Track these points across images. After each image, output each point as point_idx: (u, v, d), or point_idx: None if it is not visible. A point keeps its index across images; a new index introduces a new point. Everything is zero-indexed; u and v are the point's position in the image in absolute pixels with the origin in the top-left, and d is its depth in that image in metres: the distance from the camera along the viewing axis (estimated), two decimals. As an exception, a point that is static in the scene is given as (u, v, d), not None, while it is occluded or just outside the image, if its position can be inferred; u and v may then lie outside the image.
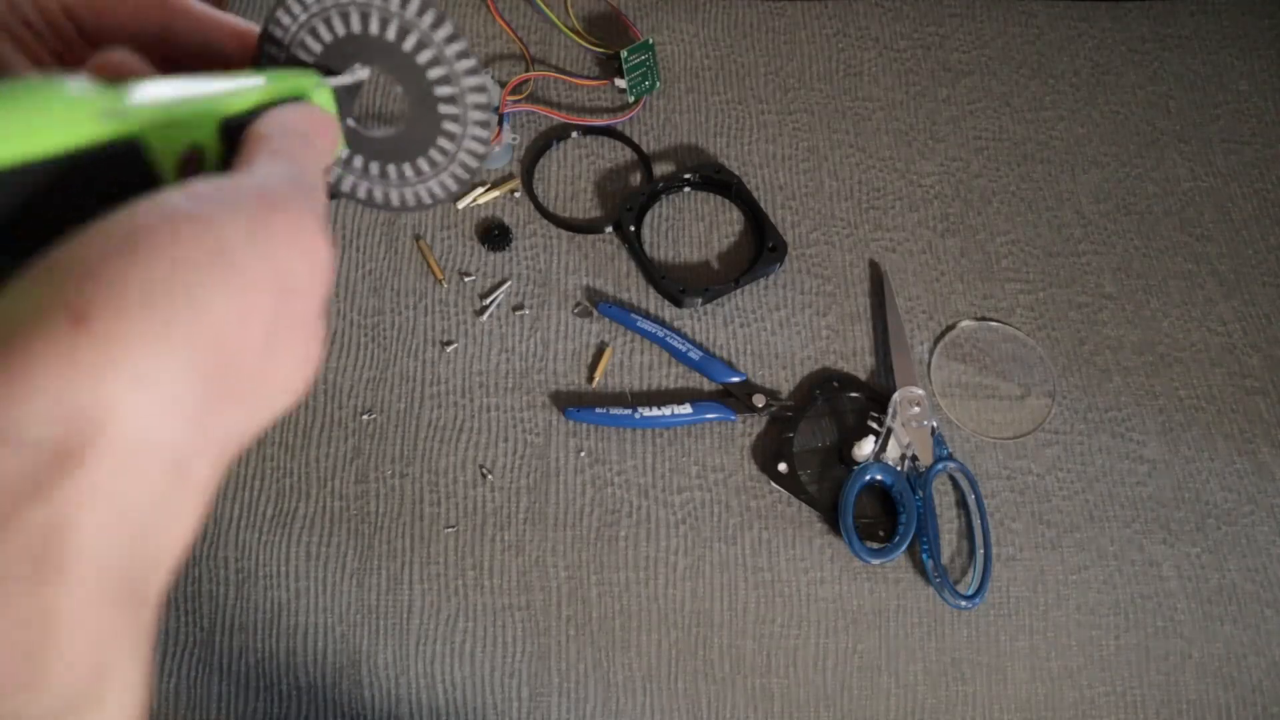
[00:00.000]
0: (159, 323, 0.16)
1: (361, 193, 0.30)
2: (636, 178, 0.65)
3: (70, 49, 0.26)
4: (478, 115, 0.29)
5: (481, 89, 0.29)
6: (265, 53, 0.27)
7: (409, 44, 0.27)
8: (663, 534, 0.55)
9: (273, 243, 0.18)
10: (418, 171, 0.30)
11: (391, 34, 0.27)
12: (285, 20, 0.27)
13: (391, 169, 0.30)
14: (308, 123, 0.23)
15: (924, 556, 0.54)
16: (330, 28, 0.27)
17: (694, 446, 0.57)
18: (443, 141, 0.29)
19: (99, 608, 0.16)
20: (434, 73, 0.28)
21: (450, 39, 0.27)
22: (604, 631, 0.53)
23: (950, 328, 0.61)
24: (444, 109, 0.29)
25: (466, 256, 0.61)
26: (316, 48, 0.27)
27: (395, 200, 0.31)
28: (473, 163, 0.30)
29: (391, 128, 0.29)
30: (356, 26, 0.27)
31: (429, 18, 0.27)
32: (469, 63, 0.28)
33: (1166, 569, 0.56)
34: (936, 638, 0.54)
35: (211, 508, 0.52)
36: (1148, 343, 0.62)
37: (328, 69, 0.28)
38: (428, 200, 0.31)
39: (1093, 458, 0.58)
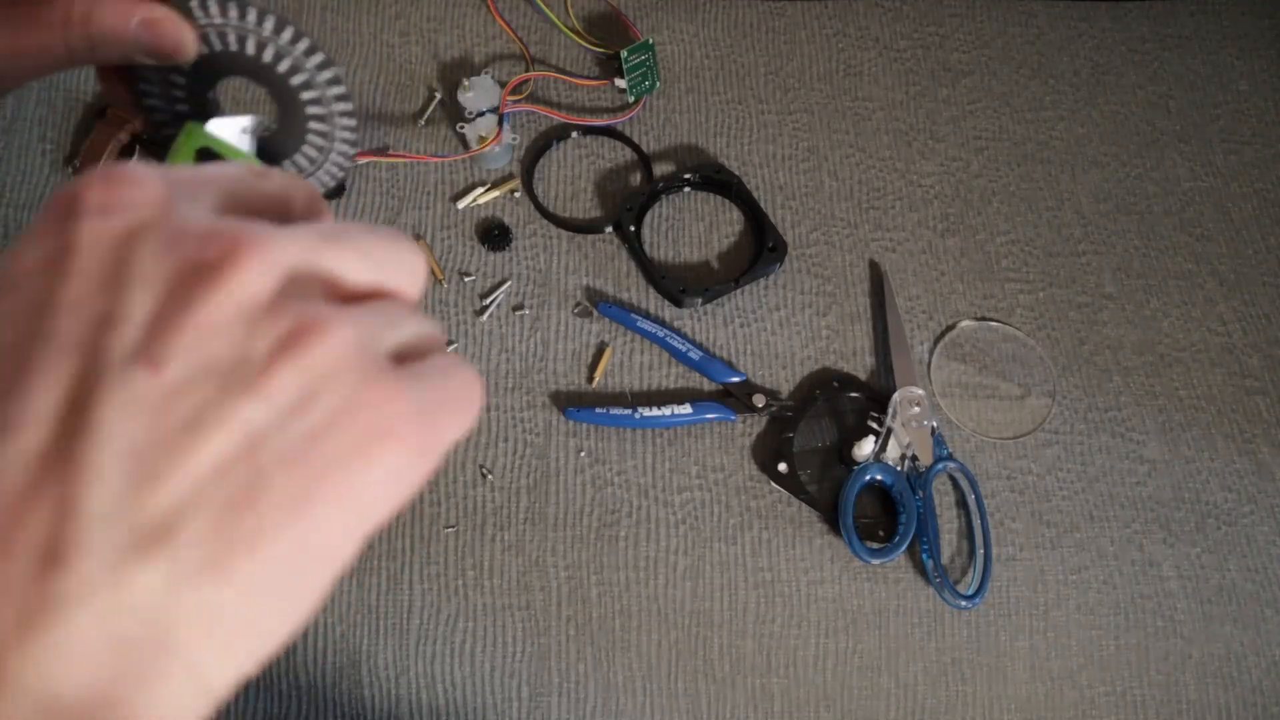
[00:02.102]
0: None
1: None
2: (636, 178, 0.65)
3: None
4: (344, 123, 0.32)
5: (350, 113, 0.32)
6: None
7: (283, 67, 0.30)
8: (663, 534, 0.55)
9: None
10: (297, 167, 0.33)
11: (268, 58, 0.30)
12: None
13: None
14: None
15: (924, 556, 0.54)
16: (208, 43, 0.30)
17: (694, 446, 0.57)
18: (309, 149, 0.32)
19: None
20: (306, 95, 0.31)
21: (322, 65, 0.30)
22: (604, 631, 0.53)
23: (950, 328, 0.61)
24: (313, 125, 0.32)
25: (466, 256, 0.61)
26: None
27: None
28: (339, 171, 0.33)
29: (264, 131, 0.32)
30: (234, 46, 0.30)
31: (302, 45, 0.30)
32: (339, 89, 0.31)
33: (1166, 569, 0.56)
34: (936, 638, 0.54)
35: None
36: (1148, 343, 0.62)
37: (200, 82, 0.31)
38: None
39: (1093, 458, 0.58)
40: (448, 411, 0.20)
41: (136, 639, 0.15)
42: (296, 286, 0.18)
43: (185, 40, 0.28)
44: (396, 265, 0.21)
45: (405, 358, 0.20)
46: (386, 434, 0.18)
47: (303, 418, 0.17)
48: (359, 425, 0.18)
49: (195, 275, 0.17)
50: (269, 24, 0.29)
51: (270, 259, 0.18)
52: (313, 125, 0.32)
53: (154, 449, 0.16)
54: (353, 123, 0.32)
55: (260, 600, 0.17)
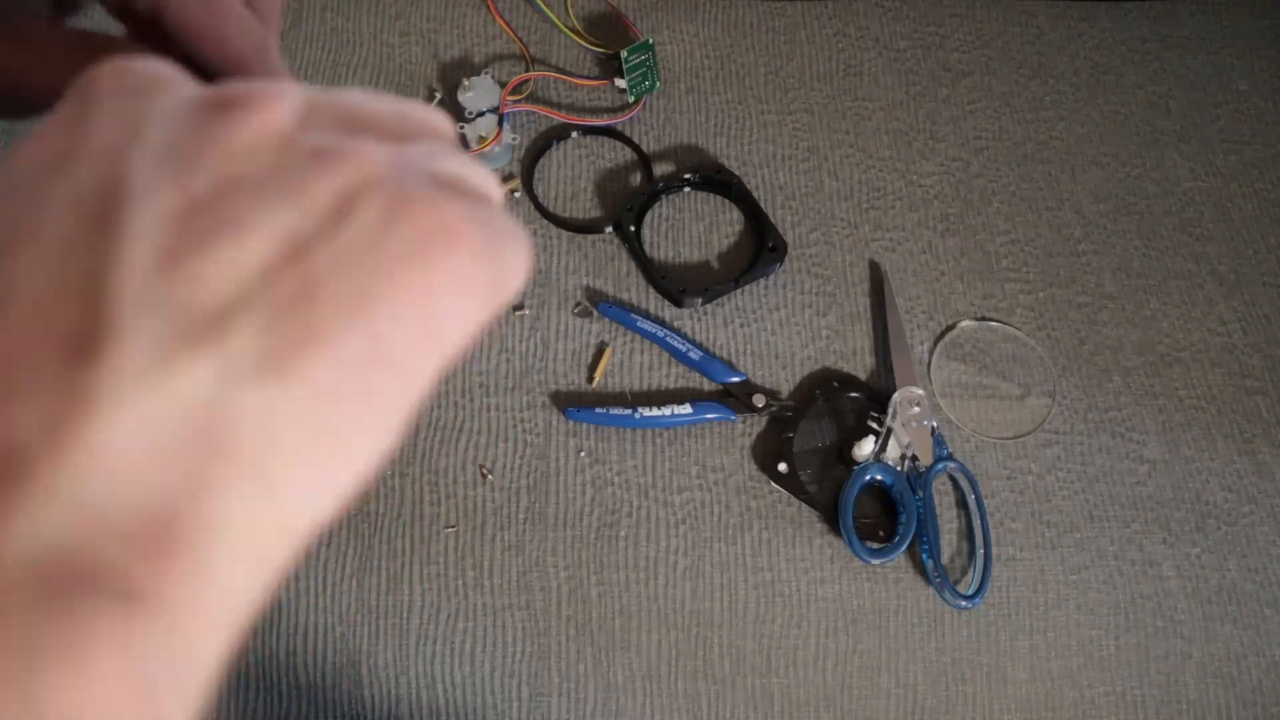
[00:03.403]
0: None
1: None
2: (636, 178, 0.65)
3: None
4: None
5: None
6: None
7: None
8: (663, 534, 0.55)
9: None
10: None
11: None
12: None
13: None
14: None
15: (924, 556, 0.54)
16: None
17: (694, 446, 0.57)
18: None
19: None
20: None
21: None
22: (604, 631, 0.53)
23: (950, 328, 0.61)
24: None
25: (466, 256, 0.61)
26: None
27: None
28: None
29: None
30: None
31: None
32: None
33: (1166, 569, 0.56)
34: (936, 638, 0.54)
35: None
36: (1148, 343, 0.62)
37: None
38: None
39: (1093, 458, 0.58)
40: (508, 239, 0.18)
41: (189, 443, 0.14)
42: (319, 123, 0.18)
43: None
44: (429, 126, 0.19)
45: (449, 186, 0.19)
46: (446, 233, 0.16)
47: (347, 224, 0.16)
48: (414, 225, 0.16)
49: (214, 109, 0.16)
50: None
51: (290, 94, 0.17)
52: None
53: (188, 246, 0.14)
54: None
55: (330, 409, 0.15)
